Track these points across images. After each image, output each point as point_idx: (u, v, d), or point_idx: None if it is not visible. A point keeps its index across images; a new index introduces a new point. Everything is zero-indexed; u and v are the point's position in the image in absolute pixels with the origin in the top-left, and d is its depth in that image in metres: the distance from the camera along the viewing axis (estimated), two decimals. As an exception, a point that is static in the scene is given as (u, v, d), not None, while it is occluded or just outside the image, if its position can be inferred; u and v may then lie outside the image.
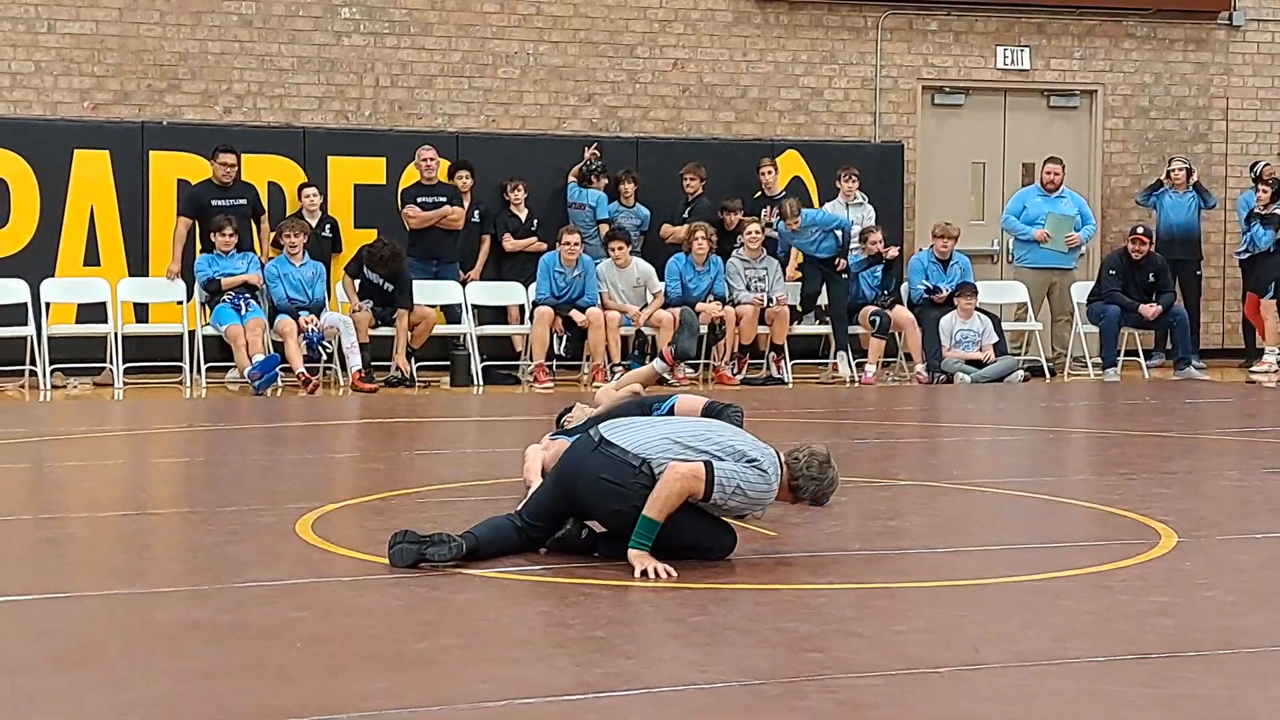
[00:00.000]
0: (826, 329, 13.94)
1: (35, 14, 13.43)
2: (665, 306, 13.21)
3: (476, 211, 13.72)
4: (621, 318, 13.14)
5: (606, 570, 5.49)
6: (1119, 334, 14.09)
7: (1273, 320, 14.64)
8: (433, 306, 13.25)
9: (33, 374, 12.38)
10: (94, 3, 13.51)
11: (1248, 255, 14.65)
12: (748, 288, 13.55)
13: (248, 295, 12.52)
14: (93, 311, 12.75)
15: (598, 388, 11.79)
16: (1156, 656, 4.50)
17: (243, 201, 13.01)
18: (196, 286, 12.69)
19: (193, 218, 12.91)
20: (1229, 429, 10.53)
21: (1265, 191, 14.50)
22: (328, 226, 13.46)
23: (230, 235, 12.61)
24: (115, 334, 12.56)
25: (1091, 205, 15.21)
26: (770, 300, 13.49)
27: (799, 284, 13.97)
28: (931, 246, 14.06)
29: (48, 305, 12.68)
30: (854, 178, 14.39)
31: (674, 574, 5.39)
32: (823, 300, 13.95)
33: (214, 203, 12.85)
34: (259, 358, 12.13)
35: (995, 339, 13.62)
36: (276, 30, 13.91)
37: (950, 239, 13.94)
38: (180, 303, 12.84)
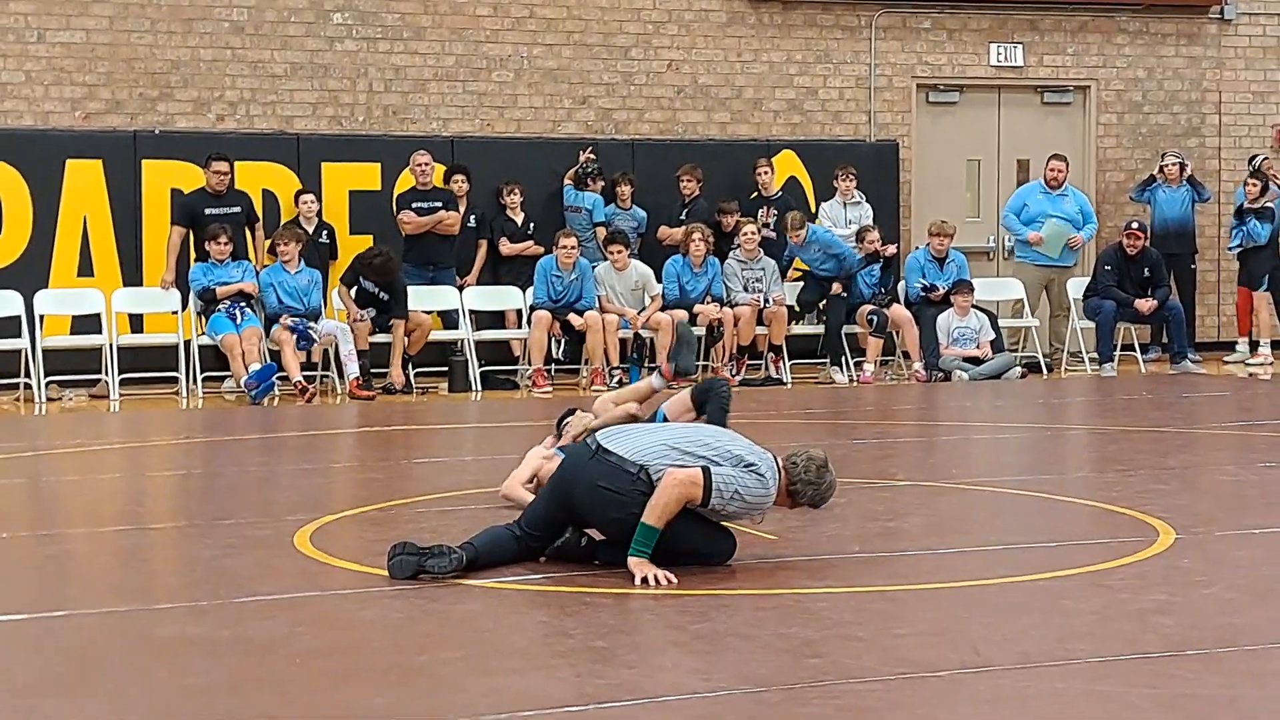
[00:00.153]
0: (823, 329, 13.90)
1: (25, 24, 13.41)
2: (664, 309, 13.20)
3: (472, 216, 13.71)
4: (620, 321, 13.13)
5: (606, 578, 5.49)
6: (1115, 329, 14.09)
7: (1266, 313, 14.67)
8: (429, 312, 13.23)
9: (27, 387, 12.36)
10: (84, 11, 13.49)
11: (1240, 250, 14.65)
12: (745, 289, 13.55)
13: (243, 304, 12.51)
14: (87, 323, 12.72)
15: (597, 391, 11.85)
16: (1157, 656, 4.50)
17: (237, 210, 12.99)
18: (191, 296, 12.67)
19: (187, 227, 12.89)
20: (1225, 423, 10.53)
21: (1254, 186, 14.51)
22: (324, 233, 13.45)
23: (225, 244, 12.59)
24: (110, 345, 12.54)
25: (1086, 201, 15.21)
26: (768, 301, 13.48)
27: (798, 284, 13.95)
28: (928, 245, 14.06)
29: (42, 317, 12.65)
30: (851, 177, 14.38)
31: (674, 580, 5.39)
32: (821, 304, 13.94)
33: (208, 211, 12.82)
34: (255, 367, 12.12)
35: (992, 336, 13.61)
36: (268, 36, 13.89)
37: (946, 237, 13.94)
38: (175, 312, 12.81)
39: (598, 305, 13.22)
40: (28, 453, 9.34)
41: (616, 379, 12.69)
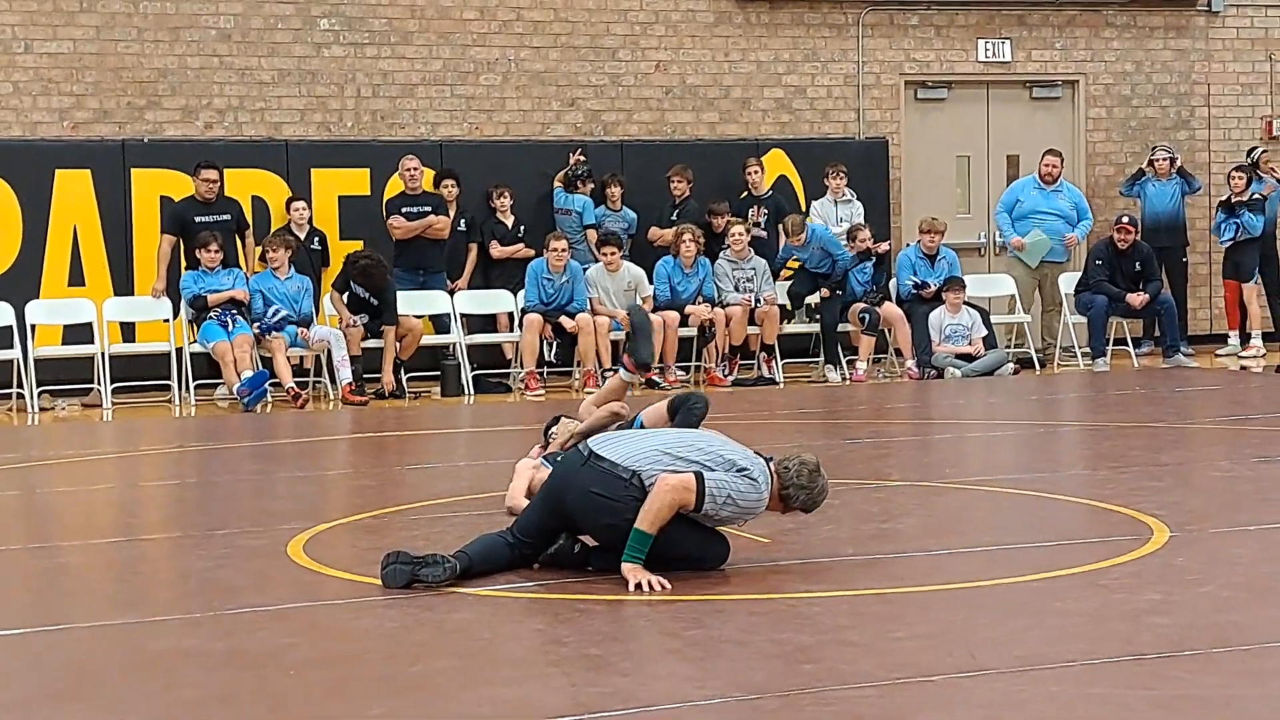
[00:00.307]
0: (816, 328, 13.92)
1: (12, 34, 13.38)
2: (655, 310, 13.19)
3: (462, 220, 13.70)
4: (611, 323, 13.12)
5: (600, 584, 5.48)
6: (1107, 324, 14.10)
7: (1255, 305, 14.69)
8: (420, 317, 13.21)
9: (20, 397, 12.34)
10: (71, 21, 13.47)
11: (1232, 243, 14.65)
12: (736, 289, 13.54)
13: (234, 311, 12.49)
14: (79, 332, 12.71)
15: (589, 393, 11.83)
16: (1152, 657, 4.50)
17: (227, 217, 12.97)
18: (183, 304, 12.66)
19: (177, 235, 12.87)
20: (1218, 417, 10.54)
21: (1239, 178, 14.52)
22: (316, 239, 13.43)
23: (215, 251, 12.58)
24: (102, 354, 12.53)
25: (1076, 196, 15.21)
26: (759, 301, 13.48)
27: (788, 283, 13.95)
28: (918, 242, 14.06)
29: (33, 327, 12.64)
30: (841, 175, 14.38)
31: (668, 586, 5.38)
32: (812, 300, 13.94)
33: (198, 219, 12.81)
34: (247, 374, 12.10)
35: (984, 332, 13.61)
36: (255, 44, 13.87)
37: (937, 234, 13.94)
38: (167, 321, 12.80)
39: (589, 307, 13.21)
40: (21, 464, 9.32)
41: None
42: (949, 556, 6.03)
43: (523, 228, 13.81)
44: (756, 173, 14.30)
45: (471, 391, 12.97)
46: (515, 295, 13.45)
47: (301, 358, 12.90)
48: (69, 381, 12.69)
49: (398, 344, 12.85)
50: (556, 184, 13.96)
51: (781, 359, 13.59)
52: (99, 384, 12.49)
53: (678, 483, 5.46)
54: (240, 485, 8.42)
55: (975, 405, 11.68)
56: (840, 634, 4.86)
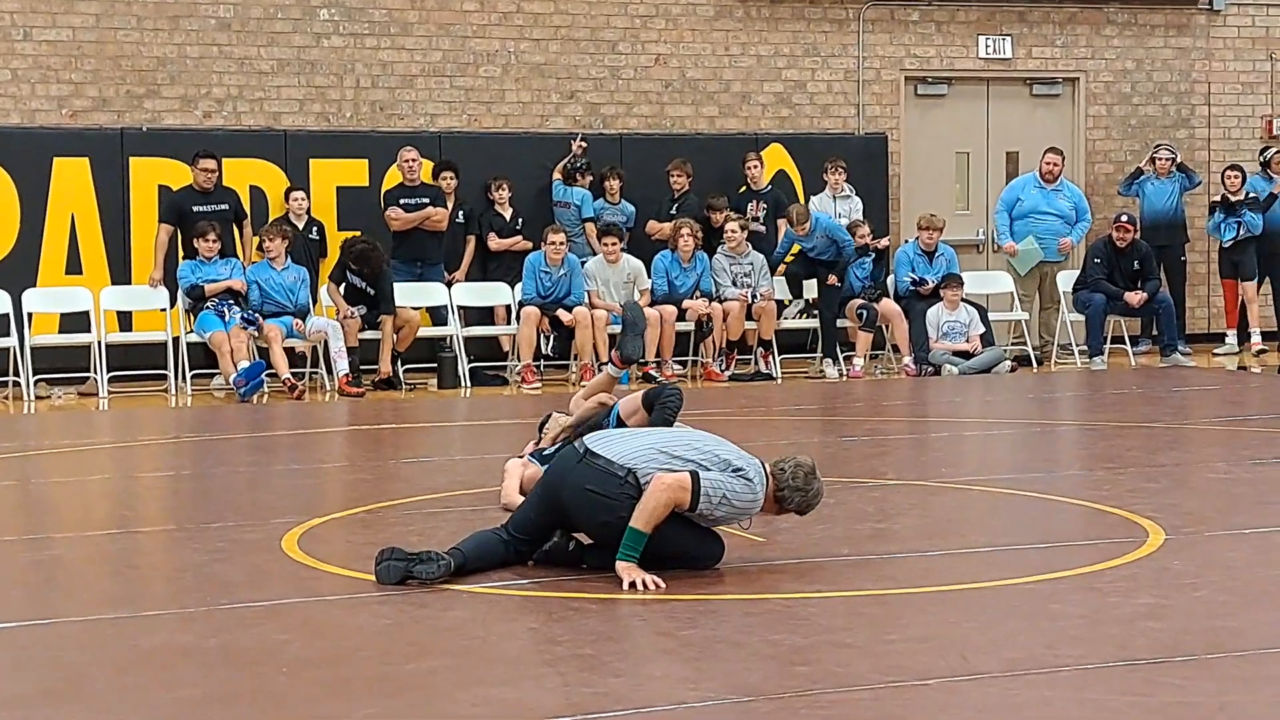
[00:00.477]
0: (814, 323, 13.91)
1: (11, 21, 13.36)
2: (652, 304, 13.18)
3: (461, 212, 13.68)
4: (609, 316, 13.10)
5: (595, 582, 5.48)
6: (1105, 322, 14.10)
7: (1253, 304, 14.70)
8: (418, 309, 13.20)
9: (16, 385, 12.33)
10: (70, 9, 13.44)
11: (1233, 241, 14.65)
12: (733, 283, 13.53)
13: (231, 301, 12.47)
14: (76, 321, 12.70)
15: (585, 387, 11.83)
16: (1146, 662, 4.50)
17: (224, 207, 12.96)
18: (180, 294, 12.64)
19: (174, 224, 12.85)
20: (1215, 418, 10.53)
21: (1235, 177, 14.53)
22: (314, 230, 13.42)
23: (213, 241, 12.56)
24: (99, 343, 12.51)
25: (1075, 193, 15.20)
26: (756, 296, 13.47)
27: (784, 278, 13.95)
28: (917, 238, 14.05)
29: (30, 315, 12.62)
30: (841, 170, 14.37)
31: (662, 585, 5.38)
32: (810, 294, 13.94)
33: (195, 209, 12.79)
34: (244, 364, 12.09)
35: (982, 329, 13.61)
36: (255, 33, 13.85)
37: (935, 231, 13.93)
38: (164, 310, 12.79)
39: (587, 301, 13.19)
40: (16, 453, 9.30)
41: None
42: (944, 558, 6.02)
43: (521, 220, 13.80)
44: (756, 167, 14.29)
45: (468, 384, 12.96)
46: (513, 288, 13.44)
47: (295, 347, 12.87)
48: (65, 370, 12.69)
49: (395, 335, 12.84)
50: (555, 177, 13.95)
51: (779, 354, 13.58)
52: (95, 373, 12.48)
53: (673, 481, 5.46)
54: (236, 477, 8.42)
55: (972, 403, 11.67)
56: (835, 635, 4.85)
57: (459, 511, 6.87)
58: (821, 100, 15.21)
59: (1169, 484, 7.77)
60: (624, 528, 5.45)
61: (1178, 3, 15.93)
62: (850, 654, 4.62)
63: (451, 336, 13.19)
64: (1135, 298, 13.95)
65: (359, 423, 10.90)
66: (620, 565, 5.44)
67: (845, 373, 13.45)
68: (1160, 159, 14.86)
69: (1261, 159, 15.12)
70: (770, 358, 13.52)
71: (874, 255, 13.85)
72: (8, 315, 12.49)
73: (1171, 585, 5.49)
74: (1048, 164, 14.56)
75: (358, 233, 13.27)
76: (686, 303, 13.35)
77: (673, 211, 13.94)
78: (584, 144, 13.95)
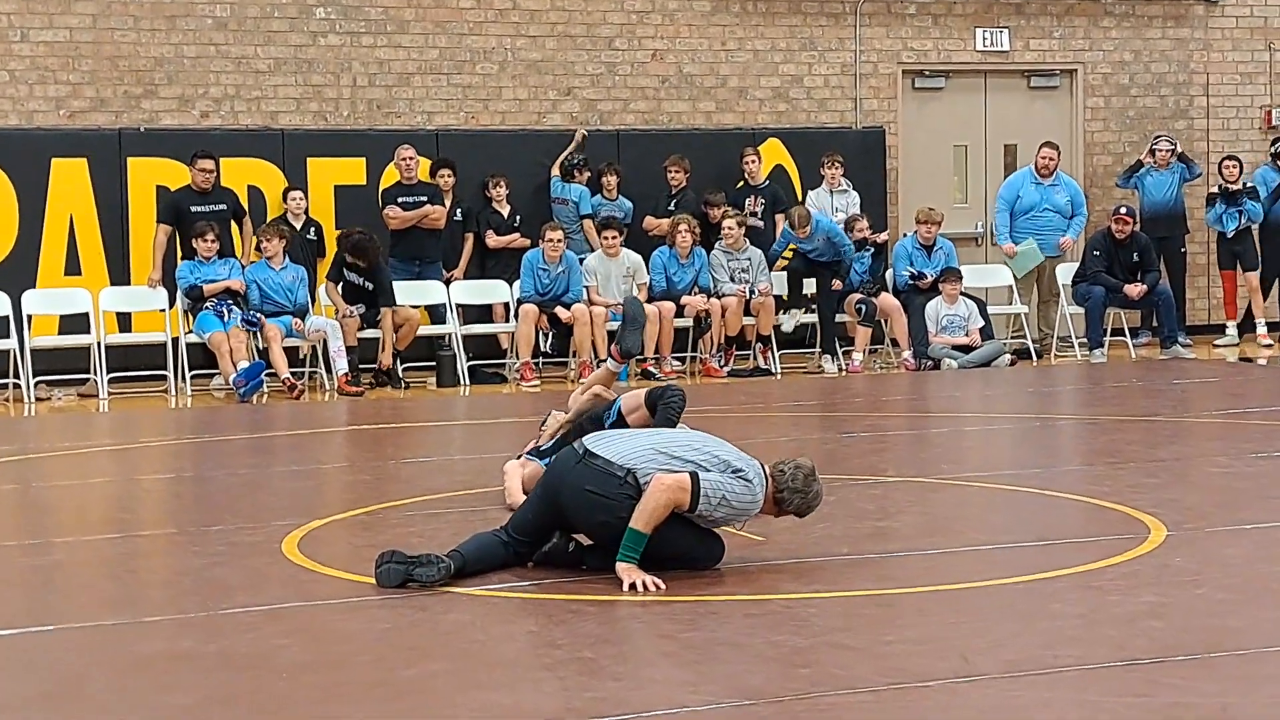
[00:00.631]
0: (812, 318, 13.89)
1: (8, 22, 13.34)
2: (650, 299, 13.17)
3: (459, 209, 13.67)
4: (608, 313, 13.09)
5: (594, 583, 5.47)
6: (1104, 315, 14.08)
7: (1258, 295, 14.69)
8: (416, 307, 13.19)
9: (16, 386, 12.33)
10: (67, 9, 13.42)
11: (1235, 231, 14.63)
12: (731, 279, 13.52)
13: (230, 301, 12.46)
14: (75, 322, 12.69)
15: (583, 384, 11.81)
16: (1146, 662, 4.49)
17: (223, 207, 12.94)
18: (179, 294, 12.63)
19: (173, 224, 12.84)
20: (1216, 411, 10.52)
21: (1233, 167, 14.51)
22: (312, 229, 13.40)
23: (211, 241, 12.55)
24: (98, 344, 12.50)
25: (1074, 186, 15.18)
26: (754, 291, 13.45)
27: (785, 272, 13.91)
28: (915, 232, 14.03)
29: (29, 317, 12.61)
30: (838, 164, 14.35)
31: (662, 586, 5.38)
32: (809, 289, 13.92)
33: (194, 209, 12.77)
34: (243, 364, 12.08)
35: (981, 323, 13.60)
36: (252, 32, 13.83)
37: (934, 224, 13.91)
38: (163, 311, 12.78)
39: (585, 297, 13.18)
40: (16, 456, 9.29)
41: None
42: (944, 556, 6.02)
43: (519, 217, 13.78)
44: (753, 162, 14.27)
45: (467, 382, 12.96)
46: (511, 285, 13.43)
47: (299, 350, 12.87)
48: (65, 371, 12.68)
49: (394, 332, 12.83)
50: (554, 172, 13.93)
51: (778, 349, 13.57)
52: (95, 374, 12.47)
53: (673, 482, 5.45)
54: (236, 479, 8.40)
55: (972, 397, 11.66)
56: (835, 637, 4.85)
57: (459, 512, 6.87)
58: (819, 94, 15.19)
59: (1170, 479, 7.77)
60: (623, 528, 5.44)
61: (1175, -6, 15.92)
62: (851, 656, 4.62)
63: (450, 334, 13.18)
64: (1135, 290, 13.93)
65: (359, 422, 10.90)
66: (620, 566, 5.43)
67: (844, 368, 13.44)
68: (1160, 150, 14.85)
69: (1273, 150, 15.11)
70: (769, 353, 13.51)
71: (872, 250, 13.84)
72: (7, 317, 12.48)
73: (1172, 583, 5.48)
74: (1043, 158, 14.53)
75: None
76: (685, 299, 13.34)
77: (670, 207, 13.92)
78: (586, 133, 13.94)
